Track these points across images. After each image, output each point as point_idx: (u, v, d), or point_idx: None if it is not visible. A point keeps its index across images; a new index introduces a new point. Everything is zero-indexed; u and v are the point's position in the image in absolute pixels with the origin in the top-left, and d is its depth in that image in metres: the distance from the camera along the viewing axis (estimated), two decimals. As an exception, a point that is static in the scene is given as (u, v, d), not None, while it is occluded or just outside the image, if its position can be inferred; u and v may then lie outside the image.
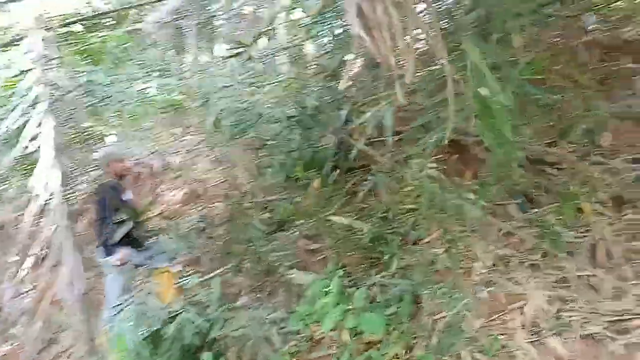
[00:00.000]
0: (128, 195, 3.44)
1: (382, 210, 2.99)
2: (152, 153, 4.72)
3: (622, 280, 2.39)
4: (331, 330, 2.40)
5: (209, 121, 3.49)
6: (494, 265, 2.74)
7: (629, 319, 2.19)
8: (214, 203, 4.00)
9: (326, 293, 2.38)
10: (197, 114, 4.53)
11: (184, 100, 4.04)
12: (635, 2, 4.45)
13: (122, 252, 3.09)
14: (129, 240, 3.19)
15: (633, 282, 2.36)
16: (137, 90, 3.71)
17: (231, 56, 3.16)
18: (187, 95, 3.62)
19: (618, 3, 4.41)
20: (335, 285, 2.24)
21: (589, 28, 4.28)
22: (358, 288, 2.62)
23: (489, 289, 2.58)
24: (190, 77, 3.87)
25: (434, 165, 2.31)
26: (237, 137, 3.36)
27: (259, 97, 3.54)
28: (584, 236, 2.69)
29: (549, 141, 3.31)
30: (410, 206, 2.89)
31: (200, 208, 4.18)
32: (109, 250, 3.12)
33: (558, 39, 4.01)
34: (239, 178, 3.76)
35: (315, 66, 3.18)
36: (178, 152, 4.57)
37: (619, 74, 3.67)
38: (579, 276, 2.50)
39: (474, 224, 2.94)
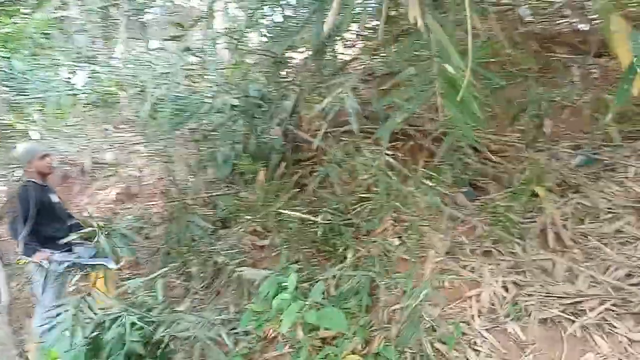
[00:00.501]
0: (53, 195, 3.15)
1: (334, 202, 2.88)
2: (81, 150, 4.38)
3: (574, 262, 2.41)
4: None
5: (145, 113, 3.27)
6: (447, 253, 2.71)
7: (584, 300, 2.21)
8: (151, 201, 3.75)
9: (280, 290, 2.24)
10: (131, 106, 4.26)
11: (115, 91, 3.76)
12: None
13: (41, 254, 2.84)
14: (56, 241, 2.92)
15: (584, 264, 2.39)
16: (62, 80, 3.41)
17: (166, 39, 2.95)
18: (120, 85, 3.35)
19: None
20: (291, 281, 2.11)
21: (525, 19, 4.38)
22: (313, 283, 2.50)
23: (444, 277, 2.54)
24: (121, 66, 3.61)
25: (390, 153, 2.23)
26: (176, 129, 3.15)
27: (199, 87, 3.35)
28: (533, 221, 2.71)
29: (492, 129, 3.34)
30: (364, 196, 2.81)
31: (136, 207, 3.92)
32: (28, 251, 2.86)
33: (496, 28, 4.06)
34: (179, 173, 3.53)
35: (259, 53, 3.03)
36: (110, 148, 4.25)
37: (555, 64, 3.77)
38: (531, 261, 2.51)
39: (425, 212, 2.90)
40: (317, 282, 2.39)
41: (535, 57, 3.89)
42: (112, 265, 2.84)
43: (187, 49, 3.61)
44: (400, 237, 2.83)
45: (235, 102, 3.09)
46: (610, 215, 2.62)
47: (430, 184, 2.28)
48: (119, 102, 4.31)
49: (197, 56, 3.48)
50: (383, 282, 2.58)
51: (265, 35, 3.15)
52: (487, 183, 3.18)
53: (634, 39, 1.51)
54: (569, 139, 3.26)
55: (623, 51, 1.54)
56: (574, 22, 4.09)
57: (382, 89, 2.91)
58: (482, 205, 2.98)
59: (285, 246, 2.92)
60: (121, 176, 4.15)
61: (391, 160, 2.23)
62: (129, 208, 3.84)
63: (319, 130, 3.30)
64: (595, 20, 3.94)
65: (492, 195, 3.05)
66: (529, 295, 2.35)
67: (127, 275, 2.92)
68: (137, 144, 4.26)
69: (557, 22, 4.28)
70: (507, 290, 2.41)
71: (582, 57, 3.77)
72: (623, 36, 1.54)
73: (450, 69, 1.70)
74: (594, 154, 2.99)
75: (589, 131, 3.33)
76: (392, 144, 3.17)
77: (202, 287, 2.98)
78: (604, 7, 1.61)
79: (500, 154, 3.23)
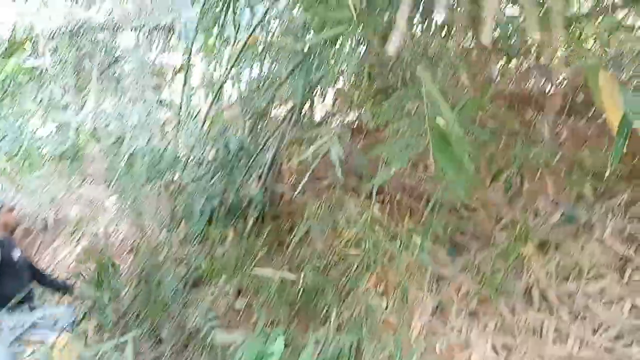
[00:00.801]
0: (16, 252, 2.95)
1: (316, 259, 2.79)
2: (45, 204, 4.16)
3: (562, 323, 2.37)
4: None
5: (119, 165, 3.15)
6: (433, 314, 2.63)
7: (576, 362, 2.15)
8: (120, 259, 3.56)
9: (261, 356, 2.10)
10: (101, 159, 4.12)
11: (84, 144, 3.64)
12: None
13: None
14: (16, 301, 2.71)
15: (572, 324, 2.35)
16: (30, 131, 3.28)
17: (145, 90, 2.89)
18: (93, 137, 3.24)
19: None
20: (278, 347, 1.97)
21: (494, 80, 4.53)
22: (293, 347, 2.36)
23: (433, 341, 2.45)
24: (94, 118, 3.51)
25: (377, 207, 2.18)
26: (150, 182, 3.04)
27: (175, 139, 3.27)
28: (517, 280, 2.67)
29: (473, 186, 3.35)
30: (351, 253, 2.73)
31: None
32: None
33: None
34: (151, 229, 3.38)
35: (241, 105, 2.99)
36: (76, 202, 4.06)
37: (527, 123, 3.87)
38: (519, 321, 2.46)
39: (409, 271, 2.84)
40: (304, 346, 2.25)
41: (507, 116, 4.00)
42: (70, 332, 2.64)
43: (161, 102, 3.56)
44: (384, 297, 2.74)
45: (213, 154, 3.01)
46: (593, 274, 2.61)
47: (418, 241, 2.22)
48: (88, 155, 4.18)
49: (174, 108, 3.43)
50: (368, 346, 2.46)
51: (245, 89, 3.12)
52: (467, 241, 3.16)
53: (625, 94, 1.53)
54: (544, 198, 3.30)
55: (611, 106, 1.55)
56: (541, 84, 4.24)
57: (365, 144, 2.90)
58: (464, 263, 2.94)
59: (263, 307, 2.78)
60: (86, 232, 3.95)
61: (379, 215, 2.17)
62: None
63: (299, 183, 3.25)
64: (563, 82, 4.12)
65: (473, 253, 3.02)
66: (520, 358, 2.28)
67: (92, 338, 2.70)
68: (106, 198, 4.09)
69: (526, 83, 4.44)
70: (497, 353, 2.34)
71: (551, 117, 3.88)
72: (612, 92, 1.56)
73: (441, 122, 1.68)
74: (573, 212, 3.01)
75: (562, 190, 3.39)
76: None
77: (172, 354, 2.78)
78: (591, 64, 1.63)
79: (481, 211, 3.23)
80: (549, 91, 4.05)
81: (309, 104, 3.33)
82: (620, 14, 2.91)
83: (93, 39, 4.64)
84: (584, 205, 3.10)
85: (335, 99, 2.86)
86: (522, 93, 4.33)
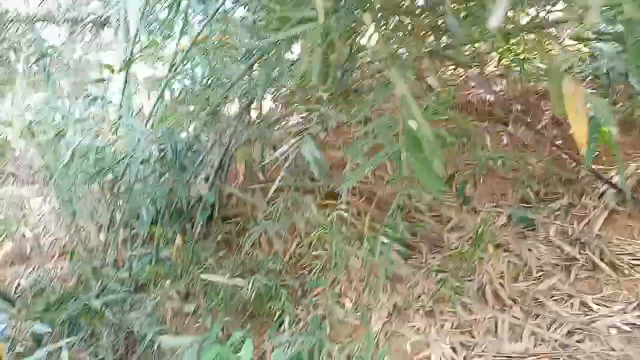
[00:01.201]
0: None
1: (270, 262, 2.70)
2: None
3: (516, 320, 2.43)
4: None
5: (49, 163, 2.91)
6: (390, 314, 2.62)
7: (534, 358, 2.20)
8: (51, 263, 3.28)
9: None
10: (29, 156, 3.82)
11: (9, 139, 3.34)
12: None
13: None
14: None
15: (526, 322, 2.41)
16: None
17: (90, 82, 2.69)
18: (20, 133, 2.97)
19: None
20: (248, 352, 1.86)
21: (435, 89, 4.64)
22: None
23: (391, 341, 2.43)
24: (19, 114, 3.23)
25: (344, 207, 2.14)
26: (88, 182, 2.82)
27: (116, 137, 3.07)
28: (470, 280, 2.73)
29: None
30: (312, 254, 2.66)
31: (30, 270, 3.40)
32: None
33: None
34: (88, 231, 3.14)
35: (189, 104, 2.85)
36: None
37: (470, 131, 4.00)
38: (474, 320, 2.50)
39: (364, 272, 2.82)
40: (260, 350, 2.16)
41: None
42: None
43: (99, 99, 3.34)
44: (342, 299, 2.71)
45: (157, 154, 2.85)
46: (541, 274, 2.71)
47: (391, 239, 2.19)
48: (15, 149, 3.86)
49: (113, 106, 3.24)
50: (324, 349, 2.40)
51: (193, 87, 2.99)
52: (418, 243, 3.19)
53: (592, 100, 1.57)
54: (489, 200, 3.41)
55: (574, 112, 1.57)
56: (480, 93, 4.38)
57: (321, 145, 2.86)
58: (417, 264, 2.96)
59: (212, 312, 2.65)
60: (11, 235, 3.62)
61: (345, 215, 2.13)
62: (20, 271, 3.32)
63: (252, 184, 3.15)
64: (501, 91, 4.30)
65: (425, 255, 3.06)
66: (479, 356, 2.31)
67: (26, 348, 2.44)
68: (33, 198, 3.77)
69: (466, 92, 4.60)
70: (455, 351, 2.35)
71: (492, 125, 4.02)
72: (575, 97, 1.59)
73: (414, 125, 1.67)
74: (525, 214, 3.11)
75: (505, 193, 3.53)
76: (331, 201, 3.10)
77: (115, 361, 2.59)
78: (553, 69, 1.65)
79: (430, 214, 3.28)
80: (488, 100, 4.19)
81: (261, 104, 3.25)
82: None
83: (20, 31, 4.32)
84: (528, 209, 3.23)
85: (290, 100, 2.79)
86: (464, 101, 4.49)
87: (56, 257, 3.56)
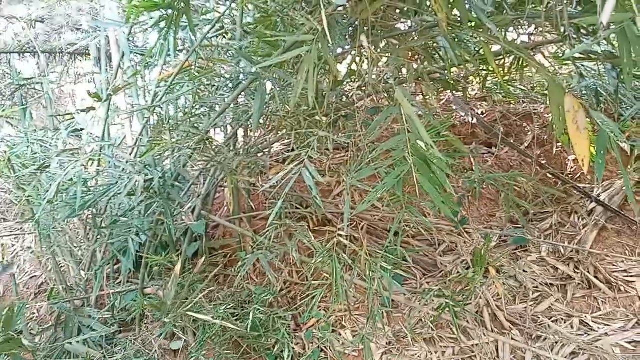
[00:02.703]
0: None
1: (263, 293, 2.60)
2: None
3: (518, 343, 2.38)
4: None
5: (26, 198, 2.79)
6: (389, 344, 2.54)
7: (539, 383, 2.16)
8: (28, 303, 3.10)
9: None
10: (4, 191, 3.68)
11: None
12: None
13: None
14: None
15: (526, 344, 2.37)
16: None
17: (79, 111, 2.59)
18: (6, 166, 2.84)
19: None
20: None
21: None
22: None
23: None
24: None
25: (343, 234, 2.08)
26: (73, 215, 2.70)
27: (103, 167, 2.98)
28: (467, 304, 2.68)
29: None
30: (312, 283, 2.58)
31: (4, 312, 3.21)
32: None
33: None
34: (68, 268, 3.00)
35: (174, 133, 2.77)
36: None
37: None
38: (475, 345, 2.44)
39: (359, 299, 2.75)
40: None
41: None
42: None
43: (79, 130, 3.24)
44: (334, 330, 2.62)
45: (142, 184, 2.75)
46: (538, 294, 2.69)
47: (386, 268, 2.13)
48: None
49: (95, 137, 3.14)
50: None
51: (185, 113, 2.93)
52: (410, 267, 3.14)
53: (597, 117, 1.57)
54: (478, 222, 3.40)
55: (575, 129, 1.56)
56: (462, 116, 4.42)
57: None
58: (413, 289, 2.90)
59: (204, 349, 2.53)
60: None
61: (345, 242, 2.07)
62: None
63: (239, 214, 3.07)
64: (482, 113, 4.35)
65: (419, 279, 3.00)
66: (483, 382, 2.25)
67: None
68: (8, 235, 3.60)
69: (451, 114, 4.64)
70: (459, 379, 2.29)
71: (475, 147, 4.05)
72: (578, 115, 1.58)
73: (422, 144, 1.64)
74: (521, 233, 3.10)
75: (492, 214, 3.53)
76: (325, 227, 3.04)
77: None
78: (555, 87, 1.65)
79: (420, 237, 3.24)
80: (470, 123, 4.23)
81: (249, 131, 3.20)
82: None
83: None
84: (518, 229, 3.23)
85: (279, 125, 2.74)
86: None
87: (33, 296, 3.38)
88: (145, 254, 2.85)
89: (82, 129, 3.21)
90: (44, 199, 2.43)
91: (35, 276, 3.62)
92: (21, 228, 3.61)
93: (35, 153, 2.81)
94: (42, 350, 2.69)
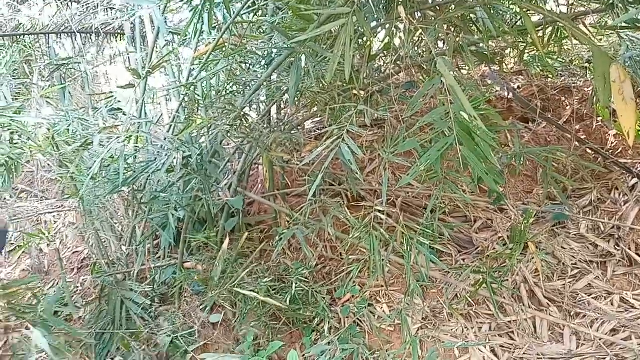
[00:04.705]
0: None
1: (302, 268, 2.64)
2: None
3: (555, 320, 2.37)
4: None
5: (88, 172, 2.86)
6: (424, 319, 2.55)
7: (576, 358, 2.14)
8: (70, 277, 3.23)
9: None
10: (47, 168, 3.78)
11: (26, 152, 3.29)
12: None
13: None
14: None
15: (564, 322, 2.35)
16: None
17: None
18: (41, 146, 2.91)
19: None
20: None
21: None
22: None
23: (429, 346, 2.37)
24: (35, 126, 3.17)
25: (381, 209, 2.08)
26: (115, 191, 2.77)
27: (144, 144, 3.04)
28: (504, 280, 2.66)
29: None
30: (350, 258, 2.61)
31: (49, 286, 3.35)
32: None
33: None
34: (109, 243, 3.09)
35: (211, 110, 2.80)
36: (16, 217, 3.65)
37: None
38: (512, 321, 2.43)
39: (394, 275, 2.76)
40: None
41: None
42: None
43: (117, 109, 3.30)
44: (370, 304, 2.64)
45: (180, 161, 2.79)
46: (576, 271, 2.65)
47: (423, 243, 2.13)
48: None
49: (132, 115, 3.19)
50: (363, 357, 2.34)
51: (219, 91, 2.96)
52: (445, 243, 3.12)
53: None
54: (514, 199, 3.35)
55: (621, 100, 1.51)
56: (497, 90, 4.32)
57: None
58: (448, 266, 2.90)
59: (245, 322, 2.59)
60: (30, 250, 3.56)
61: (382, 217, 2.07)
62: (38, 288, 3.25)
63: (274, 190, 3.09)
64: (519, 88, 4.24)
65: (454, 256, 2.99)
66: (520, 358, 2.24)
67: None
68: (50, 212, 3.72)
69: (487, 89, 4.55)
70: (496, 355, 2.29)
71: (511, 122, 3.96)
72: (625, 85, 1.52)
73: (465, 116, 1.61)
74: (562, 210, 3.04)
75: (529, 191, 3.47)
76: (359, 203, 3.05)
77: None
78: (600, 56, 1.58)
79: (456, 214, 3.22)
80: (507, 97, 4.14)
81: (282, 108, 3.21)
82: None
83: (35, 43, 4.29)
84: (556, 206, 3.17)
85: (312, 102, 2.74)
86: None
87: (76, 270, 3.51)
88: (184, 230, 2.92)
89: (119, 108, 3.28)
90: (88, 175, 2.49)
91: (77, 251, 3.75)
92: (62, 205, 3.72)
93: (76, 131, 2.88)
94: (87, 322, 2.81)
